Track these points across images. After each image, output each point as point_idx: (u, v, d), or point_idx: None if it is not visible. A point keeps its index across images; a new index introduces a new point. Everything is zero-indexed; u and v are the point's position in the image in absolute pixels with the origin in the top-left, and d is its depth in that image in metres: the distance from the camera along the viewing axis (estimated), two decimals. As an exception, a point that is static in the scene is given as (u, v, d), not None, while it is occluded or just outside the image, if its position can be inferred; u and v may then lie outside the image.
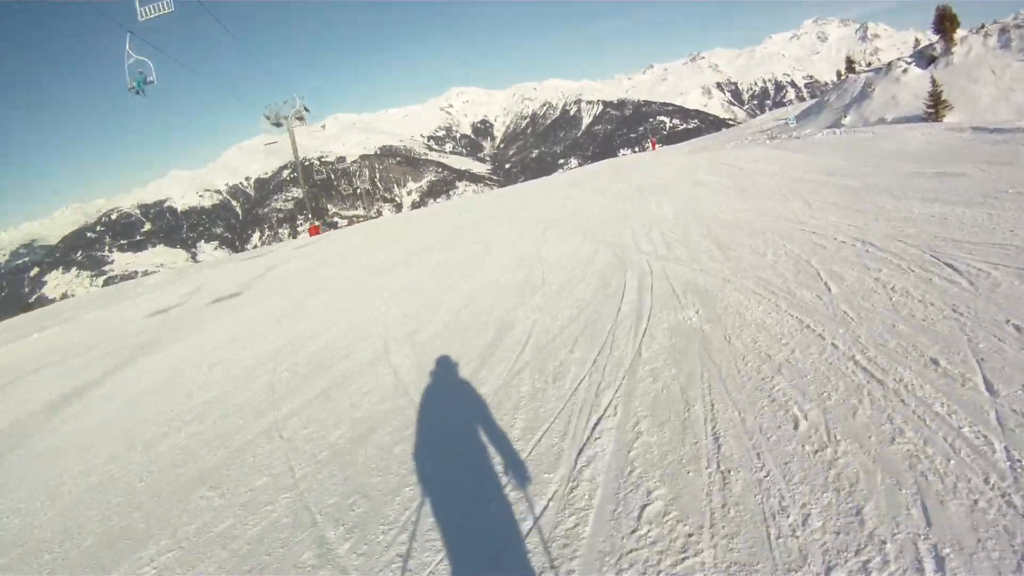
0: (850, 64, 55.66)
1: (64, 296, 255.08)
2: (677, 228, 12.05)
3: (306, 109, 48.06)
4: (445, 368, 6.91)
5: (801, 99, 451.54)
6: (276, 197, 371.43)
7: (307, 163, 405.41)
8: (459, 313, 9.29)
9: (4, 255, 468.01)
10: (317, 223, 43.76)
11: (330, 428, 5.92)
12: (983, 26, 39.63)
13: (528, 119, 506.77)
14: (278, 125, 47.52)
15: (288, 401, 6.93)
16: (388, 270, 15.41)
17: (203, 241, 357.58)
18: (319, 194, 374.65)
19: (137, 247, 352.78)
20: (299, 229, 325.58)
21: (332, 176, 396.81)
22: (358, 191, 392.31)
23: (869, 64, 55.67)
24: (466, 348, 7.49)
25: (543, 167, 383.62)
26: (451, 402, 6.13)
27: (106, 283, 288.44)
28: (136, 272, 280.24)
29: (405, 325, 9.21)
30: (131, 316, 17.97)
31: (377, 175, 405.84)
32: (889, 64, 41.77)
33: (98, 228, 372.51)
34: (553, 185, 32.64)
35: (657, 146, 59.67)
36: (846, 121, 33.75)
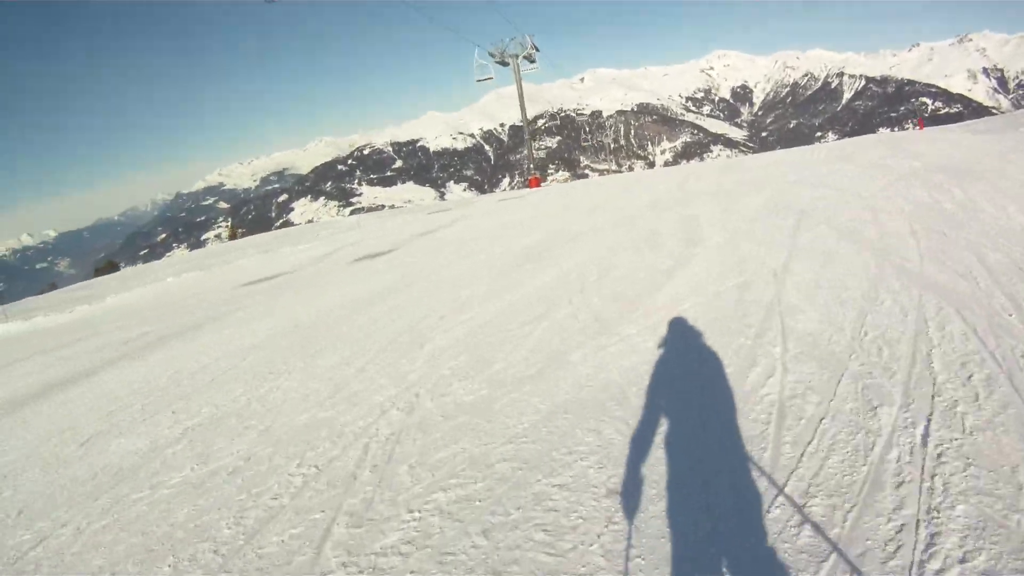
0: None
1: (309, 221, 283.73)
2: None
3: (535, 48, 43.92)
4: None
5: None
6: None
7: (563, 114, 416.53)
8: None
9: (255, 180, 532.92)
10: (538, 175, 41.57)
11: None
12: None
13: (788, 88, 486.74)
14: (504, 64, 43.88)
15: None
16: (521, 267, 10.75)
17: (452, 182, 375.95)
18: (572, 146, 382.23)
19: (386, 182, 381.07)
20: (549, 176, 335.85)
21: (587, 129, 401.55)
22: (611, 146, 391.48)
23: None
24: None
25: (799, 138, 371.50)
26: None
27: (352, 212, 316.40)
28: (383, 205, 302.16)
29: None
30: (244, 278, 17.52)
31: (632, 131, 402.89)
32: None
33: (349, 162, 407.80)
34: (812, 155, 24.71)
35: (924, 127, 51.17)
36: None
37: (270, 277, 16.15)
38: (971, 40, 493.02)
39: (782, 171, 19.20)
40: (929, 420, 3.58)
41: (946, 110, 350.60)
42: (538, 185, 37.80)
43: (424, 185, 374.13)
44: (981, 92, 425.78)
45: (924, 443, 3.34)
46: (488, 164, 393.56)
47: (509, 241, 14.26)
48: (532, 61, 44.48)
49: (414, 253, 15.48)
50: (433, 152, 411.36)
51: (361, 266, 14.84)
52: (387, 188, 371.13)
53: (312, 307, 10.61)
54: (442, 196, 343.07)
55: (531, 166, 48.50)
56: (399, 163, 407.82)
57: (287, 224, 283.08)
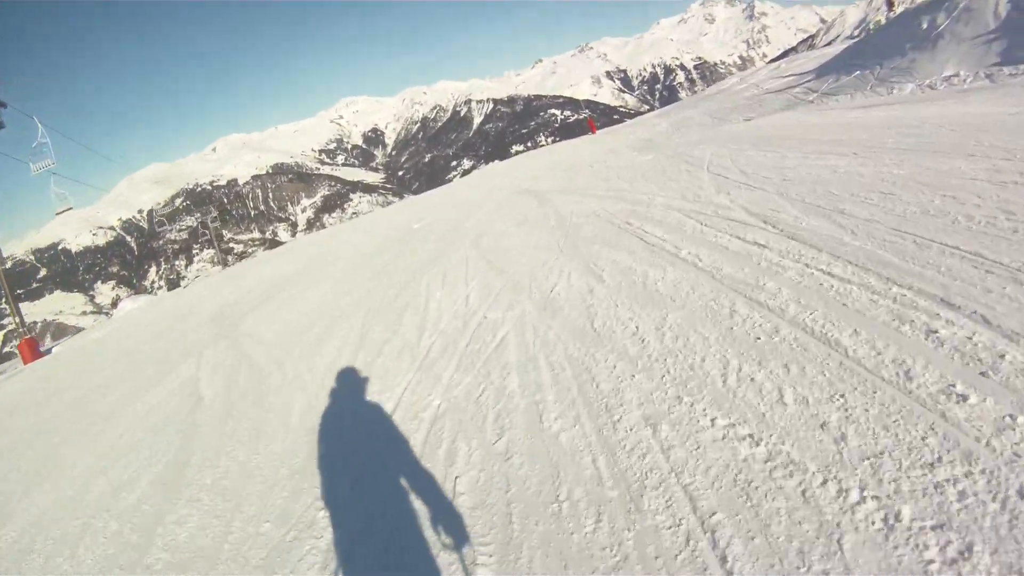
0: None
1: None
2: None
3: None
4: None
5: (691, 81, 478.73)
6: (170, 228, 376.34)
7: (199, 188, 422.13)
8: None
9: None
10: (30, 335, 23.90)
11: None
12: None
13: (419, 123, 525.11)
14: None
15: None
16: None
17: (100, 282, 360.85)
18: (214, 220, 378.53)
19: (34, 296, 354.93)
20: (194, 258, 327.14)
21: (225, 200, 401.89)
22: (252, 213, 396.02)
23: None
24: None
25: (436, 171, 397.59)
26: None
27: (5, 339, 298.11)
28: (36, 323, 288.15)
29: None
30: None
31: (270, 195, 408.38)
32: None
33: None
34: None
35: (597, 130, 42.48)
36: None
37: None
38: (592, 48, 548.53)
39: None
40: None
41: (575, 117, 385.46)
42: (34, 358, 21.48)
43: (72, 291, 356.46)
44: (607, 94, 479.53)
45: None
46: (132, 256, 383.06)
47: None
48: None
49: None
50: (75, 253, 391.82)
51: None
52: (35, 302, 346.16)
53: None
54: (92, 300, 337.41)
55: (17, 322, 25.27)
56: (43, 271, 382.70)
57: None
